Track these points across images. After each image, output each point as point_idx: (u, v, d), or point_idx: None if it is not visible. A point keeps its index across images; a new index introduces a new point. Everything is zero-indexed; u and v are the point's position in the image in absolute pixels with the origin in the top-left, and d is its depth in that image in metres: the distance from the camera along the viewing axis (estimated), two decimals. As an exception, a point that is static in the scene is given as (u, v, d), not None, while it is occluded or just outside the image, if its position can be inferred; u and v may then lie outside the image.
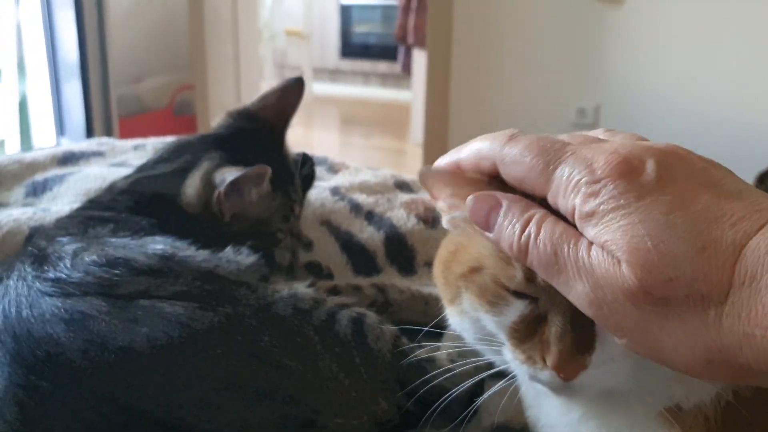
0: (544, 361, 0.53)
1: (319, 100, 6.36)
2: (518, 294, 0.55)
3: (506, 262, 0.55)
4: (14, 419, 0.73)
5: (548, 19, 3.40)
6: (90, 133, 3.14)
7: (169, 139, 1.45)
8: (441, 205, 0.61)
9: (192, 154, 1.04)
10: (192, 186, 0.99)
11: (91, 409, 0.70)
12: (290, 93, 1.14)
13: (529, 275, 0.54)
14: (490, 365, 0.91)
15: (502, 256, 0.55)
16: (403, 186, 1.42)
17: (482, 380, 0.87)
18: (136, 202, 0.98)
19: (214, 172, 0.98)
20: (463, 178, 0.58)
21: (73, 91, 3.20)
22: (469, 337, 0.64)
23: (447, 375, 0.83)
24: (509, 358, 0.57)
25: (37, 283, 0.77)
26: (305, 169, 1.17)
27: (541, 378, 0.54)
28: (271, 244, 1.04)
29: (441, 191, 0.60)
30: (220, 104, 3.70)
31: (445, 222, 0.65)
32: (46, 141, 3.25)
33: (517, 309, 0.56)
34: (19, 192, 1.31)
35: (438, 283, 0.67)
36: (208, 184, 0.98)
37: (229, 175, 0.96)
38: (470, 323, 0.61)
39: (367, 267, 1.19)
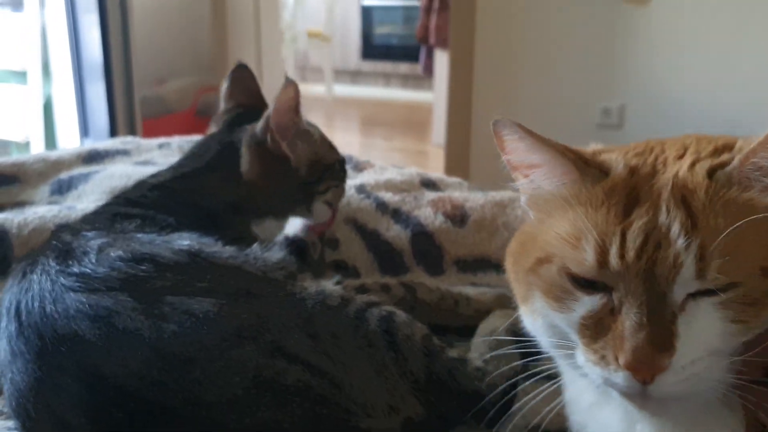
0: (618, 361, 0.49)
1: (340, 101, 6.36)
2: (588, 286, 0.52)
3: (574, 246, 0.52)
4: (39, 416, 0.72)
5: (572, 19, 3.36)
6: (114, 134, 3.16)
7: (195, 137, 1.45)
8: (510, 158, 0.58)
9: (219, 144, 1.07)
10: (245, 157, 1.03)
11: (117, 405, 0.68)
12: (243, 79, 1.17)
13: (602, 258, 0.50)
14: (525, 367, 0.89)
15: (570, 241, 0.52)
16: (429, 184, 1.40)
17: (516, 382, 0.85)
18: (166, 199, 0.97)
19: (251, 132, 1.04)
20: (543, 139, 0.55)
21: (97, 92, 3.21)
22: (544, 342, 0.59)
23: (480, 376, 0.81)
24: (582, 361, 0.52)
25: (62, 278, 0.76)
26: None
27: (615, 381, 0.49)
28: (338, 178, 1.13)
29: (516, 145, 0.57)
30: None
31: (523, 201, 0.62)
32: (70, 142, 3.27)
33: (586, 304, 0.52)
34: (44, 190, 1.31)
35: (510, 279, 0.63)
36: (255, 141, 1.03)
37: (262, 120, 1.03)
38: (543, 324, 0.57)
39: (394, 266, 1.17)
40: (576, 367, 0.55)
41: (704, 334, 0.49)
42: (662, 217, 0.51)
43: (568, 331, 0.54)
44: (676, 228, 0.50)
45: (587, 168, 0.56)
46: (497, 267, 1.07)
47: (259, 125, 1.03)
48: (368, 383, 0.75)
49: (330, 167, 1.11)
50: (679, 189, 0.52)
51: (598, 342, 0.51)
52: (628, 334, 0.49)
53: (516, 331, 0.91)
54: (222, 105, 1.15)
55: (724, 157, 0.53)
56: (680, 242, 0.49)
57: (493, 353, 0.86)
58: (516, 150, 0.58)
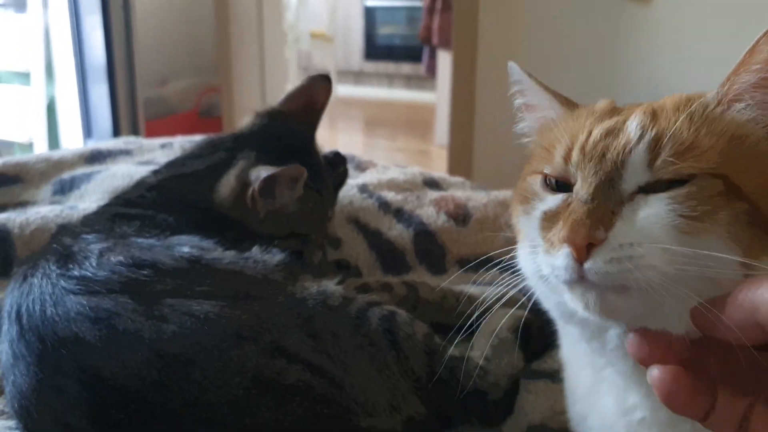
0: (559, 238, 0.50)
1: (343, 102, 6.36)
2: (557, 188, 0.55)
3: (549, 151, 0.56)
4: (41, 417, 0.72)
5: (575, 19, 3.35)
6: (117, 135, 3.16)
7: (198, 138, 1.44)
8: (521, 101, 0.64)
9: (225, 152, 1.03)
10: (227, 185, 0.98)
11: (117, 406, 0.68)
12: (316, 90, 1.12)
13: (567, 154, 0.54)
14: (525, 364, 0.89)
15: (548, 149, 0.57)
16: (431, 183, 1.39)
17: (518, 379, 0.85)
18: (165, 199, 0.97)
19: (250, 169, 0.97)
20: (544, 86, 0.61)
21: (100, 93, 3.22)
22: (528, 271, 0.58)
23: (481, 374, 0.81)
24: (541, 259, 0.53)
25: (62, 281, 0.76)
26: (338, 168, 1.15)
27: (557, 264, 0.50)
28: (303, 246, 1.03)
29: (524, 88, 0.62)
30: (245, 106, 3.70)
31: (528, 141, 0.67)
32: (73, 143, 3.27)
33: (548, 201, 0.55)
34: (46, 190, 1.31)
35: (513, 225, 0.64)
36: (243, 181, 0.97)
37: (263, 171, 0.95)
38: (526, 247, 0.57)
39: (396, 265, 1.16)
40: (563, 316, 0.57)
41: (649, 224, 0.49)
42: (629, 122, 0.54)
43: (534, 236, 0.55)
44: (635, 123, 0.53)
45: (575, 107, 0.64)
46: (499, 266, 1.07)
47: (259, 181, 0.96)
48: (369, 382, 0.74)
49: (305, 239, 1.03)
50: (652, 106, 0.56)
51: (551, 231, 0.52)
52: (571, 211, 0.50)
53: (518, 329, 0.91)
54: (278, 102, 1.11)
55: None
56: (634, 132, 0.52)
57: (495, 348, 0.85)
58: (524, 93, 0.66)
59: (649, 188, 0.50)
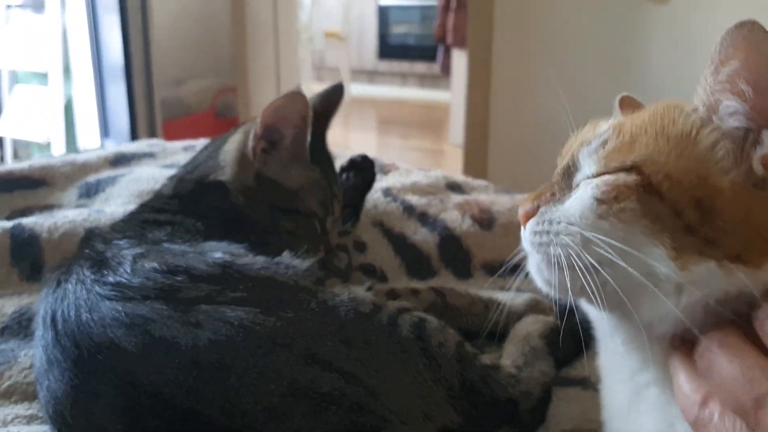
0: None
1: (356, 101, 6.36)
2: None
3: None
4: (76, 423, 0.72)
5: (591, 18, 3.33)
6: (134, 135, 3.18)
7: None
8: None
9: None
10: (231, 142, 0.99)
11: (153, 414, 0.68)
12: (336, 96, 1.14)
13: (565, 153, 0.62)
14: (558, 373, 0.89)
15: None
16: (454, 187, 1.39)
17: (550, 387, 0.85)
18: (185, 203, 0.97)
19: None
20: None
21: (117, 93, 3.23)
22: None
23: (513, 383, 0.80)
24: None
25: (97, 287, 0.76)
26: (367, 172, 1.15)
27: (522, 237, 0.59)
28: (308, 230, 1.01)
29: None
30: (261, 106, 3.70)
31: None
32: (90, 143, 3.29)
33: None
34: (72, 193, 1.31)
35: None
36: (245, 136, 0.98)
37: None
38: None
39: (421, 270, 1.16)
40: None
41: (572, 205, 0.55)
42: (602, 123, 0.60)
43: None
44: (604, 125, 0.58)
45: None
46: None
47: (261, 116, 0.98)
48: (402, 391, 0.74)
49: (305, 215, 1.01)
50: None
51: None
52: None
53: (548, 335, 0.90)
54: None
55: None
56: (596, 132, 0.58)
57: (526, 356, 0.85)
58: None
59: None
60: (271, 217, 0.97)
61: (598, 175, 0.55)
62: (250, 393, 0.68)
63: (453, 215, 1.23)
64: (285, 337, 0.72)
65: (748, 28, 0.50)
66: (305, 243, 0.92)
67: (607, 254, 0.51)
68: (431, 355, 0.78)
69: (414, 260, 1.17)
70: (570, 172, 0.58)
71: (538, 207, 0.57)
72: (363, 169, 1.14)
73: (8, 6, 3.20)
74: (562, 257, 0.53)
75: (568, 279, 0.54)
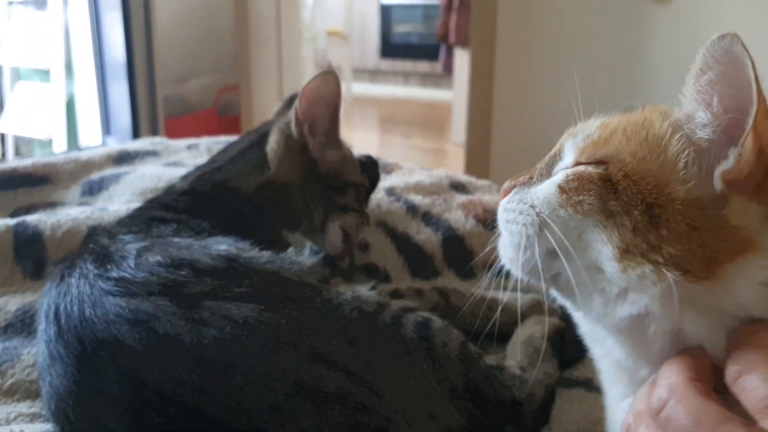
0: None
1: (359, 100, 6.35)
2: None
3: None
4: (79, 420, 0.72)
5: (594, 18, 3.33)
6: (136, 132, 3.17)
7: (222, 139, 1.45)
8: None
9: (255, 134, 1.06)
10: (272, 135, 1.01)
11: (157, 411, 0.68)
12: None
13: None
14: (562, 374, 0.89)
15: None
16: (458, 187, 1.39)
17: (554, 388, 0.85)
18: (198, 203, 0.97)
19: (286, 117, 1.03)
20: None
21: (119, 91, 3.23)
22: None
23: (517, 384, 0.80)
24: None
25: (100, 282, 0.76)
26: (371, 171, 1.15)
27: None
28: (359, 200, 1.07)
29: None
30: (263, 104, 3.70)
31: None
32: (92, 140, 3.29)
33: None
34: (75, 191, 1.31)
35: None
36: (285, 121, 1.01)
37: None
38: None
39: (425, 269, 1.16)
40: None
41: (541, 189, 0.57)
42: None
43: None
44: (593, 122, 0.60)
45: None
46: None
47: (291, 110, 1.02)
48: (406, 391, 0.74)
49: (353, 185, 1.06)
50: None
51: None
52: None
53: (552, 337, 0.90)
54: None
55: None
56: (582, 128, 0.60)
57: (530, 357, 0.85)
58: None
59: None
60: (324, 197, 1.02)
61: (573, 165, 0.57)
62: (254, 391, 0.68)
63: (457, 215, 1.23)
64: (290, 336, 0.72)
65: (727, 41, 0.49)
66: (357, 215, 1.04)
67: (557, 242, 0.53)
68: (435, 355, 0.78)
69: (417, 260, 1.16)
70: (554, 160, 0.60)
71: (514, 187, 0.60)
72: (367, 168, 1.14)
73: (10, 2, 3.20)
74: (522, 237, 0.56)
75: (522, 259, 0.56)
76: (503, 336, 0.93)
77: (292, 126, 1.02)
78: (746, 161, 0.48)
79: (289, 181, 1.01)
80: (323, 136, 1.02)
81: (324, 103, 1.00)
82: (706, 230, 0.48)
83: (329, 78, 0.99)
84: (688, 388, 0.46)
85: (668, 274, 0.48)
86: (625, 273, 0.50)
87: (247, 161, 1.03)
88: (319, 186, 1.03)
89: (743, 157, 0.48)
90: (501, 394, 0.78)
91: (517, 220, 0.57)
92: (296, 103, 1.01)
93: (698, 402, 0.45)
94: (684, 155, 0.52)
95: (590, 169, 0.54)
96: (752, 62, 0.48)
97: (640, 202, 0.51)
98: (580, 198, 0.53)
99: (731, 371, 0.46)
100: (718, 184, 0.50)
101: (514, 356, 0.85)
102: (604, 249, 0.51)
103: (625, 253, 0.50)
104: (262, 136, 1.04)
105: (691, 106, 0.53)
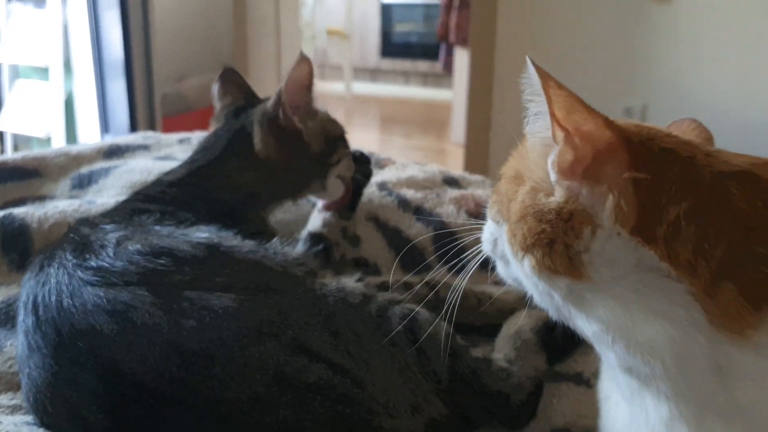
0: None
1: (359, 99, 6.34)
2: None
3: None
4: (57, 411, 0.71)
5: (594, 17, 3.32)
6: (134, 130, 3.17)
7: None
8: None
9: (227, 131, 1.07)
10: (257, 134, 1.04)
11: (135, 401, 0.67)
12: (232, 79, 1.19)
13: None
14: (550, 367, 0.87)
15: None
16: (451, 182, 1.37)
17: (541, 382, 0.83)
18: (185, 195, 0.96)
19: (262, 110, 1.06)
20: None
21: (118, 89, 3.22)
22: None
23: (504, 376, 0.79)
24: None
25: (79, 272, 0.75)
26: (363, 167, 1.15)
27: None
28: (348, 156, 1.12)
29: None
30: (262, 103, 3.70)
31: None
32: (91, 138, 3.28)
33: None
34: (65, 184, 1.30)
35: None
36: (266, 115, 1.04)
37: (275, 93, 1.05)
38: None
39: (415, 263, 1.14)
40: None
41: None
42: None
43: None
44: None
45: None
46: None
47: (270, 102, 1.04)
48: (391, 383, 0.73)
49: (339, 138, 1.11)
50: None
51: None
52: None
53: (540, 330, 0.89)
54: (217, 104, 1.16)
55: None
56: None
57: (518, 350, 0.84)
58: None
59: None
60: (317, 164, 1.07)
61: None
62: (234, 383, 0.67)
63: (449, 209, 1.21)
64: (272, 326, 0.71)
65: (528, 65, 0.55)
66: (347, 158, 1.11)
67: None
68: (420, 347, 0.76)
69: (408, 254, 1.15)
70: None
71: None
72: (359, 163, 1.14)
73: (9, 0, 3.20)
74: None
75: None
76: (493, 329, 0.92)
77: (280, 114, 1.03)
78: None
79: (283, 162, 1.04)
80: (304, 112, 1.06)
81: (303, 87, 1.05)
82: (530, 219, 0.57)
83: (304, 64, 1.03)
84: None
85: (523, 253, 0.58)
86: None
87: (237, 152, 1.03)
88: (316, 160, 1.07)
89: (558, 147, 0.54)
90: (487, 387, 0.77)
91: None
92: (281, 95, 1.04)
93: None
94: (530, 146, 0.64)
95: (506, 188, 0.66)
96: (540, 67, 0.55)
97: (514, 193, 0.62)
98: (509, 200, 0.64)
99: None
100: (552, 174, 0.56)
101: (501, 349, 0.84)
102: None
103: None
104: (240, 132, 1.05)
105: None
